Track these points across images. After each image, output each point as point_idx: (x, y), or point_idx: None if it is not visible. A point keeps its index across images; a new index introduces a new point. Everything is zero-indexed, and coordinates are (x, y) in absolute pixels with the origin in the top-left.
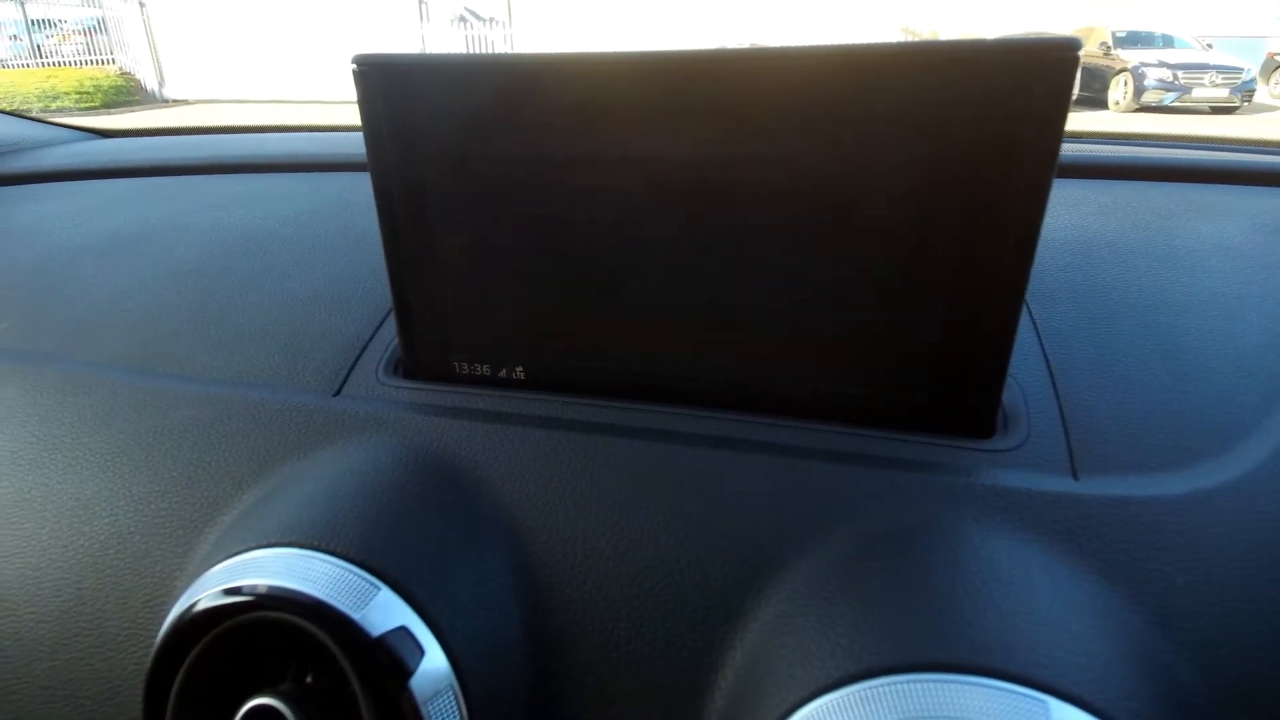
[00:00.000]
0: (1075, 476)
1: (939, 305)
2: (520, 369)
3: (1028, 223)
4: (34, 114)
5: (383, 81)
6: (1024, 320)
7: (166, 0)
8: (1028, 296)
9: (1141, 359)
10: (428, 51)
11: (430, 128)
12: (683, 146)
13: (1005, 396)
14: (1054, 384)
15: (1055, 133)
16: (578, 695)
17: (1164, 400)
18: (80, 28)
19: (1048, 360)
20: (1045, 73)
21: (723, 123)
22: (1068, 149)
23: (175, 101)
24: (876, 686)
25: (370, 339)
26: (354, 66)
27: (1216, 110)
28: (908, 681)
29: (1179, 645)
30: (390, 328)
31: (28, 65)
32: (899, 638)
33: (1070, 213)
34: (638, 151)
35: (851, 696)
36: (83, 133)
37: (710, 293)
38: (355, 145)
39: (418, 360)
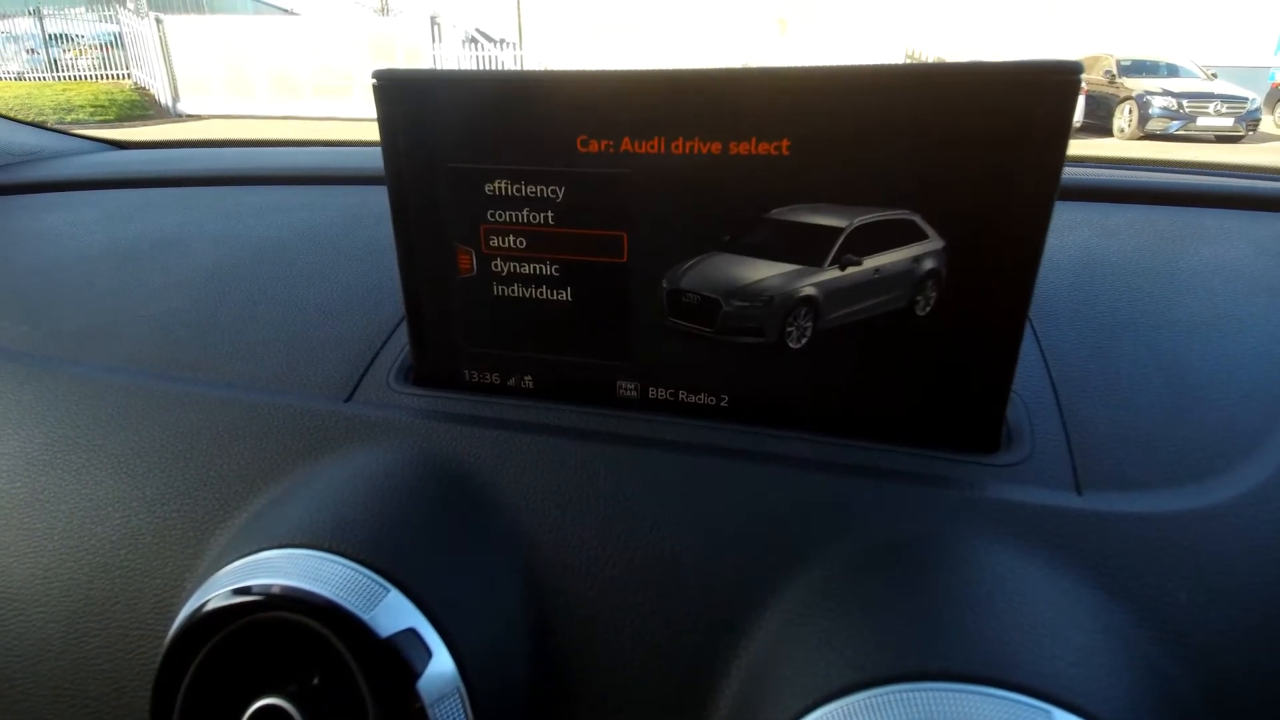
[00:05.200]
0: (1078, 492)
1: (944, 321)
2: (529, 378)
3: (1031, 242)
4: (52, 125)
5: (401, 95)
6: (1028, 338)
7: (183, 18)
8: (1031, 315)
9: (1144, 377)
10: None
11: (446, 140)
12: (691, 162)
13: (1009, 412)
14: (1058, 401)
15: (1057, 154)
16: (582, 701)
17: (1166, 418)
18: (97, 43)
19: (1051, 377)
20: (1047, 95)
21: (728, 139)
22: (1072, 172)
23: (189, 116)
24: (879, 695)
25: (382, 347)
26: (373, 81)
27: (1221, 139)
28: (911, 690)
29: (1181, 660)
30: (401, 336)
31: (44, 79)
32: (902, 647)
33: (1074, 234)
34: (648, 166)
35: (854, 705)
36: (100, 143)
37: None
38: (367, 159)
39: (429, 368)
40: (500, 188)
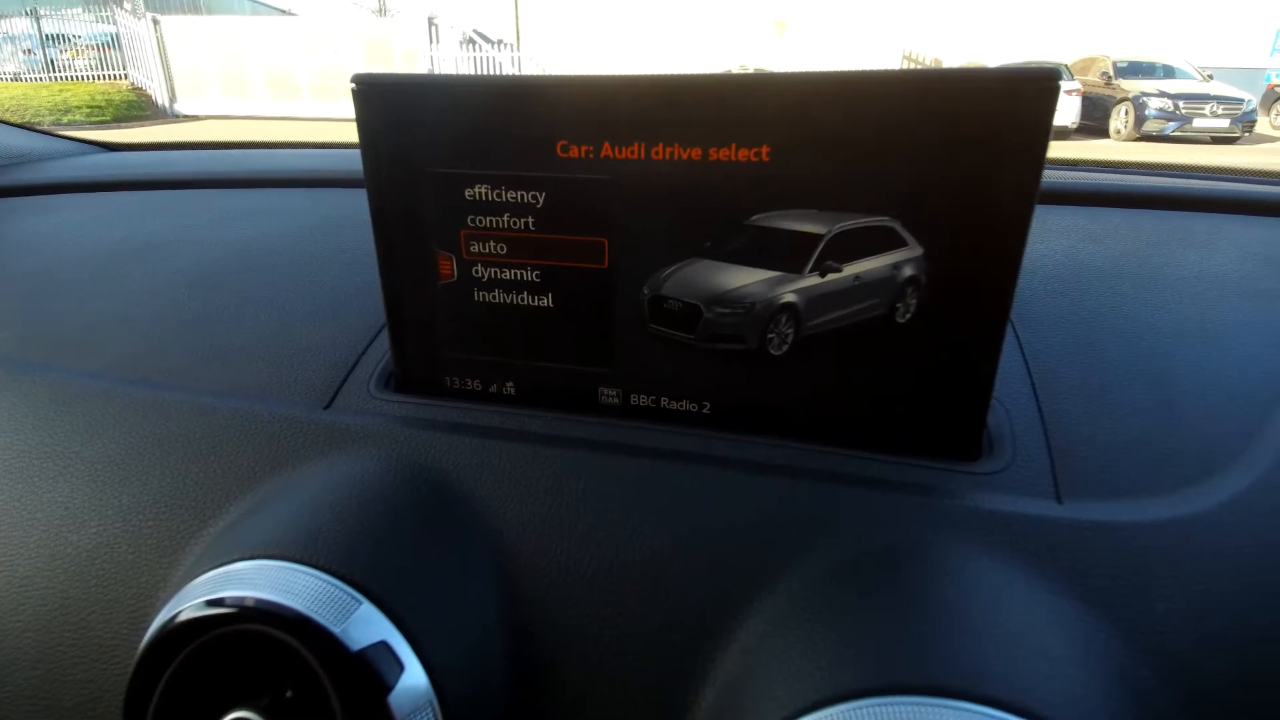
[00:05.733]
0: (1059, 500)
1: (924, 328)
2: (510, 384)
3: (1010, 248)
4: (43, 127)
5: (381, 100)
6: (1010, 344)
7: (180, 18)
8: (1014, 321)
9: (1127, 384)
10: (436, 72)
11: (426, 145)
12: (672, 168)
13: (990, 419)
14: (1039, 408)
15: (1036, 160)
16: (557, 711)
17: (1149, 426)
18: (94, 43)
19: (1033, 384)
20: (1026, 101)
21: (708, 145)
22: (1057, 176)
23: (186, 117)
24: (853, 709)
25: (363, 353)
26: (353, 86)
27: (1217, 140)
28: (886, 704)
29: (1158, 671)
30: (383, 342)
31: (40, 79)
32: (877, 660)
33: (1059, 239)
34: (628, 172)
35: (828, 719)
36: (90, 146)
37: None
38: (354, 162)
39: (409, 374)
40: (481, 193)
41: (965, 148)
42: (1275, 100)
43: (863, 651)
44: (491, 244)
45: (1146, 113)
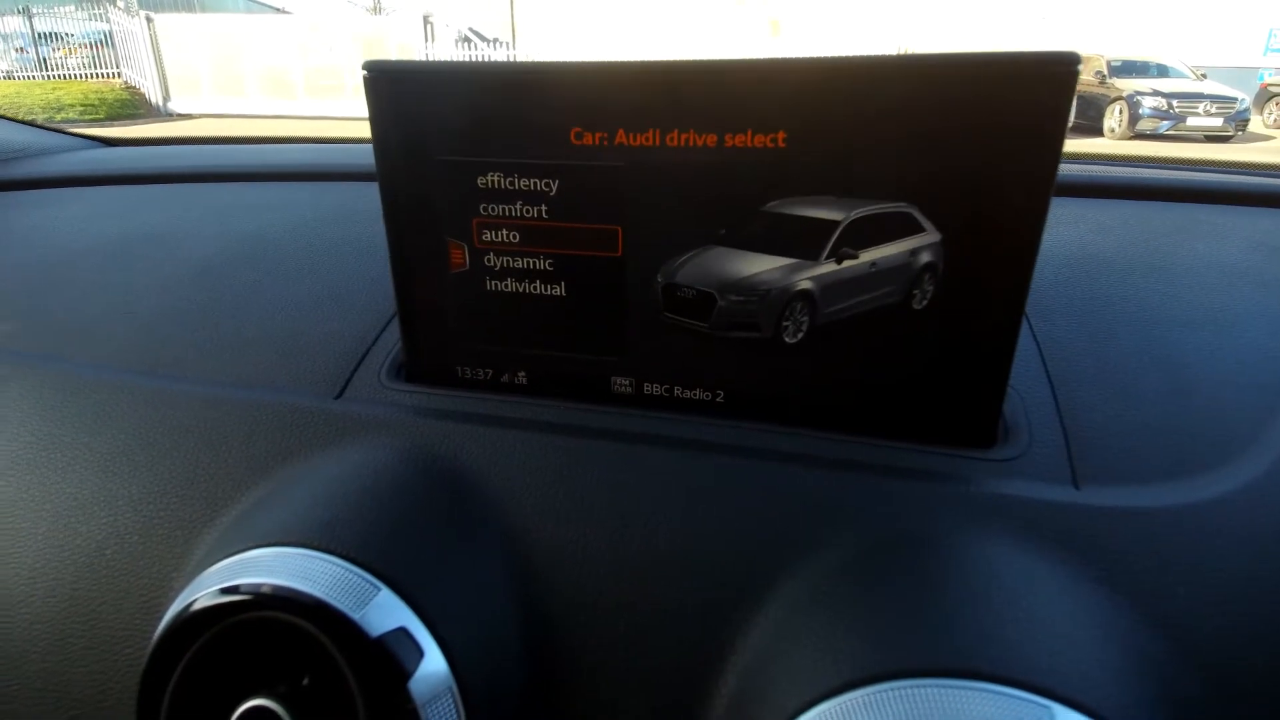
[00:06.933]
0: (1076, 486)
1: (941, 315)
2: (522, 374)
3: (1028, 235)
4: (41, 122)
5: (392, 88)
6: (1024, 332)
7: (174, 16)
8: (1028, 309)
9: (1141, 372)
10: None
11: (438, 133)
12: (687, 154)
13: (1006, 407)
14: (1054, 395)
15: (1055, 146)
16: (576, 699)
17: (1163, 412)
18: (86, 41)
19: (1048, 372)
20: (1044, 87)
21: (724, 131)
22: (1067, 168)
23: (180, 115)
24: (879, 692)
25: (373, 343)
26: (364, 73)
27: (1211, 139)
28: (911, 687)
29: (1181, 656)
30: (393, 332)
31: (33, 77)
32: (901, 643)
33: (1069, 230)
34: (643, 158)
35: (853, 702)
36: (89, 140)
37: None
38: (358, 156)
39: (420, 364)
40: (493, 181)
41: (983, 132)
42: (1268, 99)
43: (885, 636)
44: (504, 232)
45: (1140, 111)
